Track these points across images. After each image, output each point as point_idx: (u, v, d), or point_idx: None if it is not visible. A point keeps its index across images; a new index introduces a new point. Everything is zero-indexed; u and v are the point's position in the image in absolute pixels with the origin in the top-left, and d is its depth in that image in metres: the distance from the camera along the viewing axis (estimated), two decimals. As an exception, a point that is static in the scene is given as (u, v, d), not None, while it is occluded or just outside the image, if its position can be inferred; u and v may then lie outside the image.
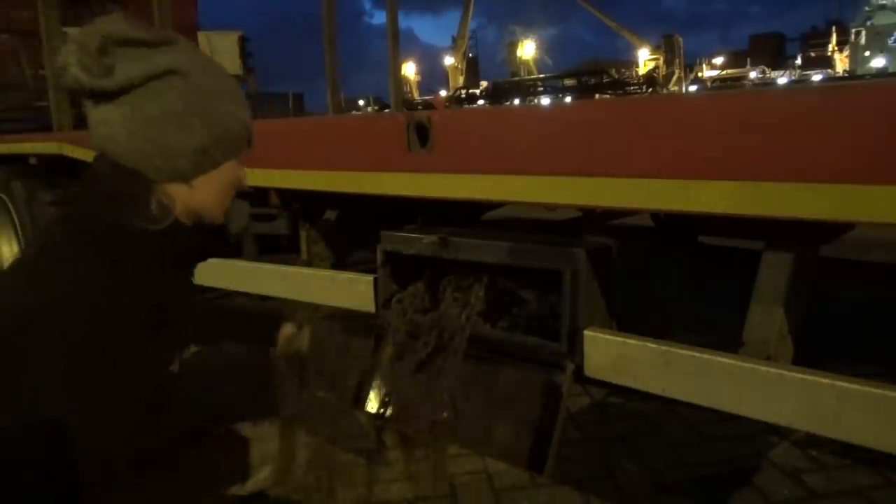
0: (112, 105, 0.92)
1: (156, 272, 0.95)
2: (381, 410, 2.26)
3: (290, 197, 2.78)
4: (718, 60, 51.56)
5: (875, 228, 1.22)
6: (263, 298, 3.48)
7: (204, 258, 1.10)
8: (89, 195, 0.96)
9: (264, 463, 1.06)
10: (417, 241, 2.08)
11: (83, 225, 0.93)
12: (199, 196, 1.00)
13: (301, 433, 1.16)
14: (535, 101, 27.05)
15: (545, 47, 65.34)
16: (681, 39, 48.50)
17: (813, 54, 53.47)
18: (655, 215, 2.14)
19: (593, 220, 1.96)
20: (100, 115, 0.93)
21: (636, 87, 33.24)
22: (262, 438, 1.06)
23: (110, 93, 0.90)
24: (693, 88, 37.34)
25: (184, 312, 1.05)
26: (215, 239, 1.10)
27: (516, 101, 29.35)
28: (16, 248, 4.80)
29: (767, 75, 41.77)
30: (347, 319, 3.79)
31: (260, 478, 1.06)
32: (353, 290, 2.38)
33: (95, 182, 0.96)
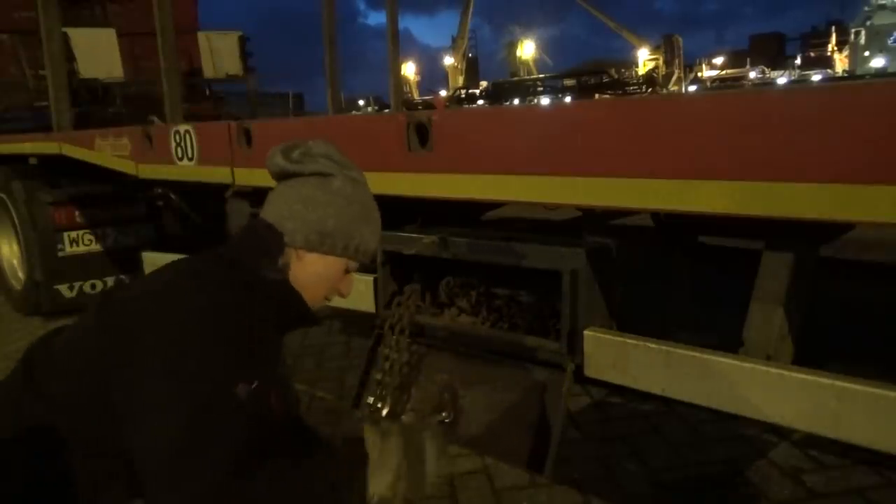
0: (285, 183, 1.22)
1: (260, 316, 1.13)
2: (382, 410, 2.26)
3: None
4: (718, 60, 51.58)
5: (875, 228, 1.22)
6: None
7: (287, 330, 1.29)
8: (238, 243, 1.22)
9: (384, 476, 1.10)
10: (417, 241, 2.08)
11: (226, 261, 1.16)
12: (302, 270, 1.20)
13: (431, 446, 1.19)
14: (535, 101, 27.03)
15: (545, 47, 65.42)
16: (680, 40, 48.50)
17: (812, 54, 53.43)
18: (655, 215, 2.14)
19: (593, 220, 1.96)
20: (275, 188, 1.24)
21: (636, 87, 33.23)
22: (383, 452, 1.12)
23: (288, 173, 1.21)
24: (692, 88, 37.33)
25: (272, 374, 1.21)
26: (301, 318, 1.26)
27: (516, 101, 29.34)
28: (16, 248, 4.80)
29: (767, 75, 41.76)
30: (347, 319, 3.78)
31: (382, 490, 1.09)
32: (353, 290, 2.37)
33: (246, 234, 1.24)
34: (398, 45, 5.39)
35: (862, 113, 1.18)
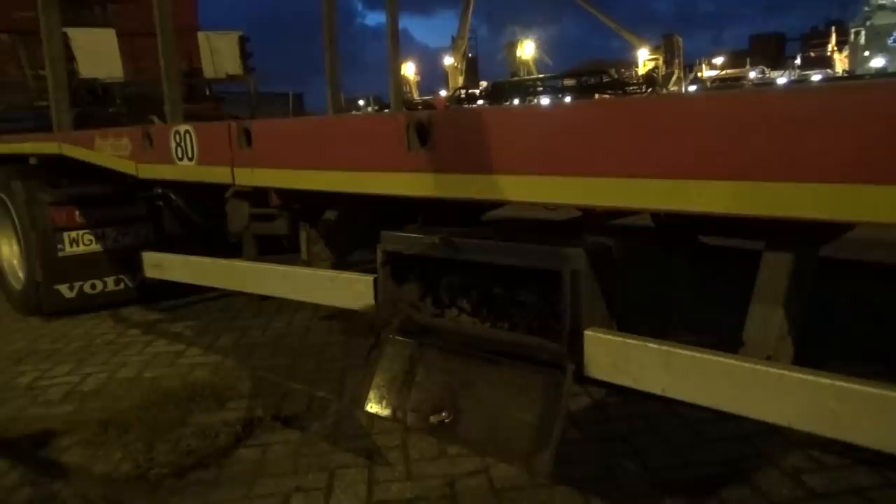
0: None
1: None
2: (381, 410, 2.26)
3: (290, 197, 2.78)
4: (718, 60, 51.59)
5: (875, 228, 1.22)
6: (263, 298, 3.47)
7: None
8: None
9: None
10: (417, 241, 2.08)
11: None
12: None
13: None
14: (535, 100, 27.06)
15: (544, 47, 65.40)
16: (681, 40, 48.56)
17: (812, 54, 53.45)
18: (655, 215, 2.14)
19: (593, 220, 1.96)
20: None
21: (636, 87, 33.27)
22: None
23: None
24: (692, 88, 37.36)
25: None
26: None
27: (516, 101, 29.35)
28: (16, 248, 4.80)
29: (767, 75, 41.80)
30: (347, 319, 3.78)
31: None
32: (353, 290, 2.37)
33: None
34: (398, 45, 5.39)
35: (862, 113, 1.18)
